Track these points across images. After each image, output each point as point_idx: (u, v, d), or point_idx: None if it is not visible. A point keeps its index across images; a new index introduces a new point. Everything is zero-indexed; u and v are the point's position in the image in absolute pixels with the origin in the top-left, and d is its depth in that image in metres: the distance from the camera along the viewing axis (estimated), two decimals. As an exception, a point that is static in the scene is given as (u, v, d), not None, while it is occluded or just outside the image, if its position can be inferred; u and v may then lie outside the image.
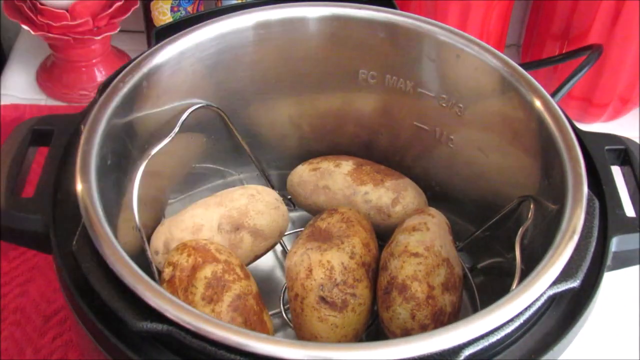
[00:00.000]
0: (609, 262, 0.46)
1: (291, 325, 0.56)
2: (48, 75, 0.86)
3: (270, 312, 0.55)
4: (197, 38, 0.55)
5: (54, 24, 0.76)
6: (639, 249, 0.48)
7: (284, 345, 0.37)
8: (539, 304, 0.41)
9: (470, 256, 0.63)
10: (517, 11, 0.89)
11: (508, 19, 0.81)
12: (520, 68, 0.53)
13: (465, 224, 0.62)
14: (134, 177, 0.52)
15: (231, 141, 0.63)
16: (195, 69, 0.56)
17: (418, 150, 0.63)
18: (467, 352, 0.38)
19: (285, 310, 0.58)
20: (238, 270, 0.51)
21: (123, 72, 0.51)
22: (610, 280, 0.48)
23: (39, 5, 0.76)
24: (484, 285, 0.61)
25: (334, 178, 0.61)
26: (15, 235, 0.47)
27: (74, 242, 0.44)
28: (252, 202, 0.57)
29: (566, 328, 0.42)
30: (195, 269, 0.50)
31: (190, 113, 0.57)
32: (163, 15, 0.81)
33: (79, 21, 0.76)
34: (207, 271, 0.49)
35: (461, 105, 0.57)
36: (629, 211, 0.49)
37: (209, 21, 0.56)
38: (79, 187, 0.44)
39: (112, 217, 0.47)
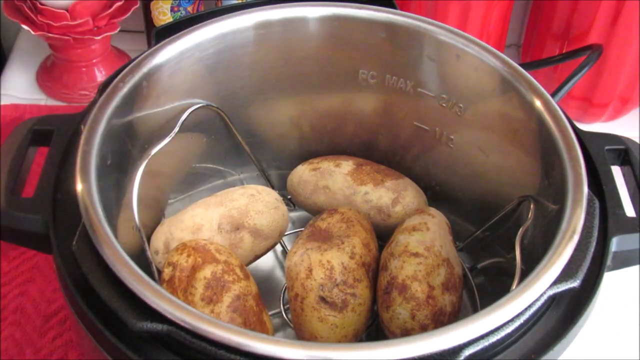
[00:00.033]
0: (609, 262, 0.46)
1: (291, 325, 0.56)
2: (48, 75, 0.86)
3: (270, 312, 0.55)
4: (197, 38, 0.55)
5: (54, 24, 0.76)
6: (639, 249, 0.48)
7: (284, 345, 0.37)
8: (539, 304, 0.41)
9: (470, 256, 0.63)
10: (517, 11, 0.89)
11: (508, 19, 0.81)
12: (520, 68, 0.53)
13: (465, 224, 0.62)
14: (134, 177, 0.52)
15: (231, 141, 0.63)
16: (195, 69, 0.56)
17: (418, 150, 0.63)
18: (467, 352, 0.38)
19: (285, 310, 0.58)
20: (238, 270, 0.51)
21: (123, 72, 0.51)
22: (610, 280, 0.48)
23: (39, 5, 0.76)
24: (484, 285, 0.61)
25: (334, 178, 0.61)
26: (15, 235, 0.47)
27: (74, 242, 0.44)
28: (252, 202, 0.57)
29: (566, 328, 0.42)
30: (195, 269, 0.50)
31: (190, 113, 0.57)
32: (163, 15, 0.81)
33: (79, 21, 0.76)
34: (206, 271, 0.49)
35: (461, 105, 0.57)
36: (629, 211, 0.49)
37: (209, 21, 0.56)
38: (79, 187, 0.44)
39: (112, 217, 0.47)
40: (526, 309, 0.41)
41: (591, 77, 0.77)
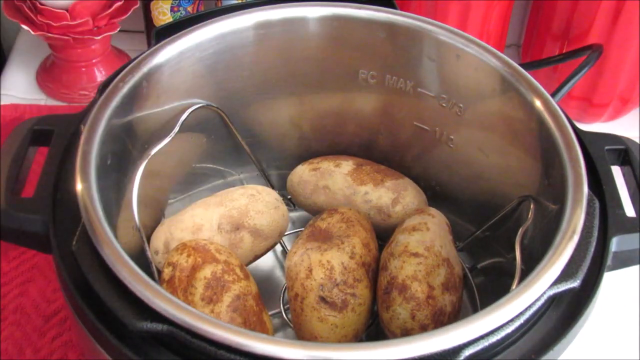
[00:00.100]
0: (609, 262, 0.46)
1: (291, 325, 0.56)
2: (48, 75, 0.86)
3: (270, 312, 0.55)
4: (197, 38, 0.55)
5: (54, 24, 0.76)
6: (639, 249, 0.48)
7: (284, 345, 0.37)
8: (539, 304, 0.41)
9: (470, 256, 0.63)
10: (517, 11, 0.88)
11: (508, 19, 0.81)
12: (520, 68, 0.53)
13: (465, 224, 0.62)
14: (134, 177, 0.52)
15: (231, 141, 0.63)
16: (195, 69, 0.56)
17: (418, 150, 0.63)
18: (467, 352, 0.38)
19: (285, 310, 0.58)
20: (238, 270, 0.51)
21: (123, 72, 0.51)
22: (610, 280, 0.48)
23: (39, 5, 0.76)
24: (484, 285, 0.61)
25: (334, 178, 0.61)
26: (15, 235, 0.47)
27: (74, 242, 0.44)
28: (252, 202, 0.57)
29: (566, 328, 0.42)
30: (194, 269, 0.50)
31: (190, 113, 0.57)
32: (163, 15, 0.81)
33: (79, 21, 0.76)
34: (206, 271, 0.49)
35: (461, 105, 0.57)
36: (629, 211, 0.49)
37: (209, 21, 0.56)
38: (79, 187, 0.44)
39: (112, 217, 0.47)
40: (526, 309, 0.41)
41: (591, 77, 0.77)
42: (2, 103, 0.82)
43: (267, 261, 0.63)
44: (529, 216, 0.51)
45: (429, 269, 0.51)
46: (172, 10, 0.81)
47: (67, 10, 0.76)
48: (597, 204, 0.47)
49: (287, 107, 0.63)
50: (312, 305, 0.51)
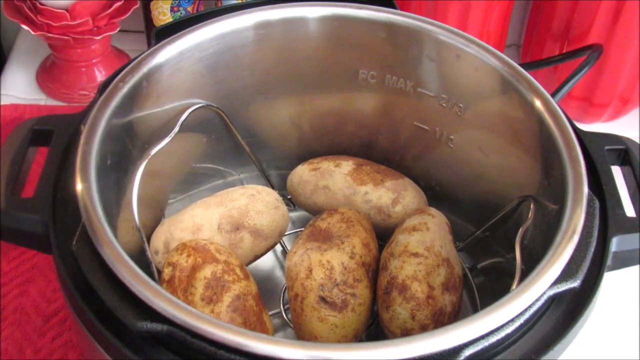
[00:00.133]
0: (609, 262, 0.46)
1: (291, 325, 0.56)
2: (48, 75, 0.86)
3: (270, 312, 0.55)
4: (197, 38, 0.55)
5: (54, 24, 0.76)
6: (639, 249, 0.48)
7: (284, 345, 0.37)
8: (539, 304, 0.41)
9: (470, 256, 0.63)
10: (517, 11, 0.89)
11: (508, 19, 0.81)
12: (520, 68, 0.53)
13: (465, 224, 0.62)
14: (134, 177, 0.52)
15: (231, 141, 0.63)
16: (195, 69, 0.56)
17: (418, 150, 0.63)
18: (467, 352, 0.38)
19: (285, 310, 0.58)
20: (238, 270, 0.51)
21: (123, 72, 0.51)
22: (610, 280, 0.48)
23: (39, 5, 0.76)
24: (484, 285, 0.61)
25: (334, 178, 0.61)
26: (15, 235, 0.47)
27: (74, 242, 0.44)
28: (252, 202, 0.57)
29: (566, 328, 0.42)
30: (194, 269, 0.50)
31: (190, 113, 0.57)
32: (163, 15, 0.81)
33: (79, 21, 0.76)
34: (206, 271, 0.49)
35: (461, 105, 0.57)
36: (629, 211, 0.49)
37: (209, 21, 0.56)
38: (79, 187, 0.44)
39: (112, 217, 0.47)
40: (526, 309, 0.41)
41: (591, 77, 0.77)
42: (2, 103, 0.82)
43: (267, 261, 0.63)
44: (529, 216, 0.51)
45: (429, 269, 0.51)
46: (172, 10, 0.81)
47: (67, 10, 0.76)
48: (597, 204, 0.47)
49: (287, 107, 0.63)
50: (312, 305, 0.51)
